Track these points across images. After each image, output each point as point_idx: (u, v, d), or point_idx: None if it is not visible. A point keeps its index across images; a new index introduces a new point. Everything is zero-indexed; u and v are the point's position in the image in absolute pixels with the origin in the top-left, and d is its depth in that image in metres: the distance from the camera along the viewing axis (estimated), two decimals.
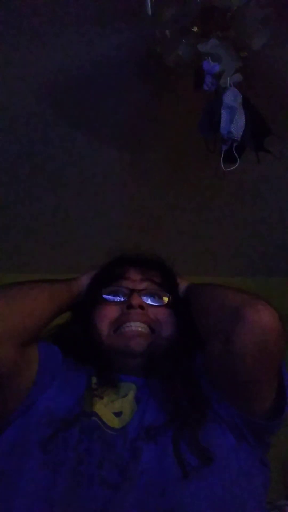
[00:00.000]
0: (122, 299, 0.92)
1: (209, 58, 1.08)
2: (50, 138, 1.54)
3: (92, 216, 1.89)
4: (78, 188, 1.76)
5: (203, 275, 1.90)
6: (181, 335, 0.90)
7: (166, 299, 0.93)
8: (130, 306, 0.88)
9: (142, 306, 0.88)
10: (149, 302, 0.92)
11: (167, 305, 0.93)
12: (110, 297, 0.92)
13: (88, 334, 0.91)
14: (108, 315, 0.90)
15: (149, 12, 1.06)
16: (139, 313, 0.88)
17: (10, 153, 1.58)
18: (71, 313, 0.97)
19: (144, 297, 0.92)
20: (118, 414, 0.78)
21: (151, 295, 0.93)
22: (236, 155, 1.12)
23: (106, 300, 0.92)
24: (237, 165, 1.13)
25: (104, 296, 0.93)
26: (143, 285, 0.93)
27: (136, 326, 0.87)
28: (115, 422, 0.77)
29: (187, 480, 0.69)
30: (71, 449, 0.72)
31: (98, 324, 0.90)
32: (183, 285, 0.99)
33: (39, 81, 1.35)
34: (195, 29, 1.10)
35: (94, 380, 0.83)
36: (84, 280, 0.98)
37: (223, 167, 1.13)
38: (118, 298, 0.92)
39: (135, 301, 0.88)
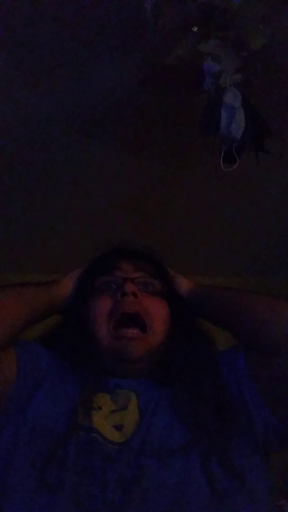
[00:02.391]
0: (116, 288, 0.90)
1: (209, 58, 1.08)
2: (49, 138, 1.53)
3: (90, 216, 1.89)
4: (77, 188, 1.76)
5: (203, 275, 1.90)
6: (177, 331, 0.89)
7: (159, 287, 0.93)
8: (124, 294, 0.86)
9: (135, 294, 0.87)
10: (142, 290, 0.90)
11: (160, 295, 0.92)
12: (104, 287, 0.91)
13: (83, 332, 0.88)
14: (103, 306, 0.87)
15: (149, 12, 1.06)
16: (132, 301, 0.86)
17: (9, 154, 1.58)
18: (61, 315, 0.96)
19: (137, 285, 0.90)
20: (118, 427, 0.75)
21: (144, 283, 0.92)
22: (236, 155, 1.12)
23: (99, 291, 0.91)
24: (236, 165, 1.13)
25: (97, 286, 0.92)
26: (136, 274, 0.92)
27: (132, 332, 0.84)
28: (115, 436, 0.73)
29: (217, 499, 0.68)
30: (68, 469, 0.68)
31: (95, 317, 0.87)
32: (185, 285, 0.99)
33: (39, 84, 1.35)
34: (195, 29, 1.10)
35: (88, 388, 0.80)
36: (66, 283, 0.96)
37: (222, 167, 1.13)
38: (111, 287, 0.91)
39: (129, 288, 0.86)
